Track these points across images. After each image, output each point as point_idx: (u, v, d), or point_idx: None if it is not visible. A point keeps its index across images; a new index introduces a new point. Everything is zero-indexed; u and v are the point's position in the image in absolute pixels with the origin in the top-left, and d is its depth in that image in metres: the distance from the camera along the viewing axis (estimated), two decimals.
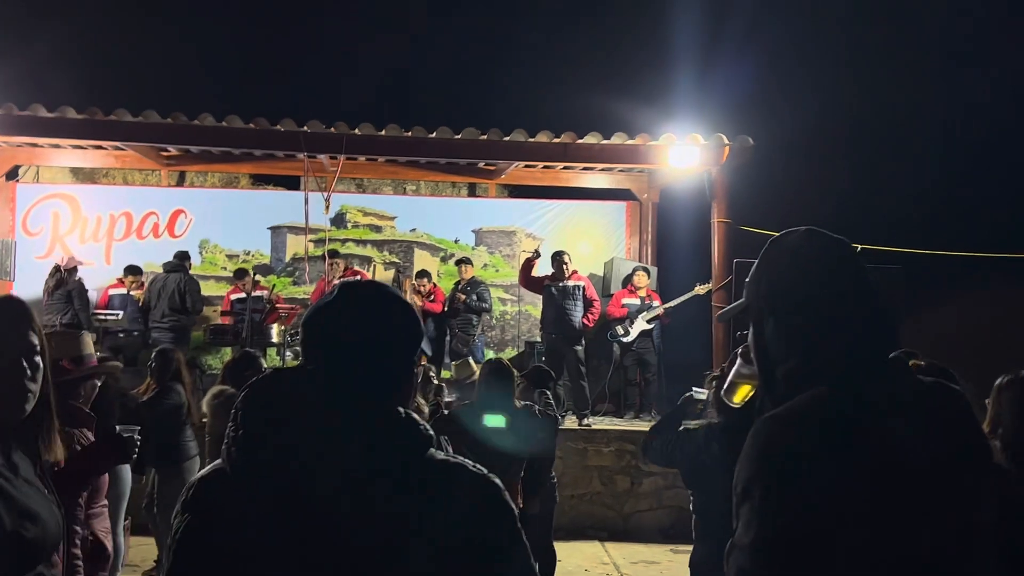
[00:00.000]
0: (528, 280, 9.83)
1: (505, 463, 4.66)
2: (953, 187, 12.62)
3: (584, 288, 9.73)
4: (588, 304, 9.67)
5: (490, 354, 10.98)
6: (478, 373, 5.81)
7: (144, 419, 6.04)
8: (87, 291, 9.90)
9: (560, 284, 9.61)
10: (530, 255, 9.79)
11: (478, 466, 1.44)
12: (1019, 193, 12.23)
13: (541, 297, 9.81)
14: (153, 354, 6.27)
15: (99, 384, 3.41)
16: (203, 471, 1.47)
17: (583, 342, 9.61)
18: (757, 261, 1.64)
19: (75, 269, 9.82)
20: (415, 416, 1.43)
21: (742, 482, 1.46)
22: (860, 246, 8.33)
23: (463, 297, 10.24)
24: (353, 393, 1.40)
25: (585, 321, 9.64)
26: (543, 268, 9.92)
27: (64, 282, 9.63)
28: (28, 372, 1.91)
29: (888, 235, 9.08)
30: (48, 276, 9.79)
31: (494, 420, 4.72)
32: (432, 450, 1.42)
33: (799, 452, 1.40)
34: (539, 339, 10.38)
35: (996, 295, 10.15)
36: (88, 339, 3.24)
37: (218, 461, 1.43)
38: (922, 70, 13.51)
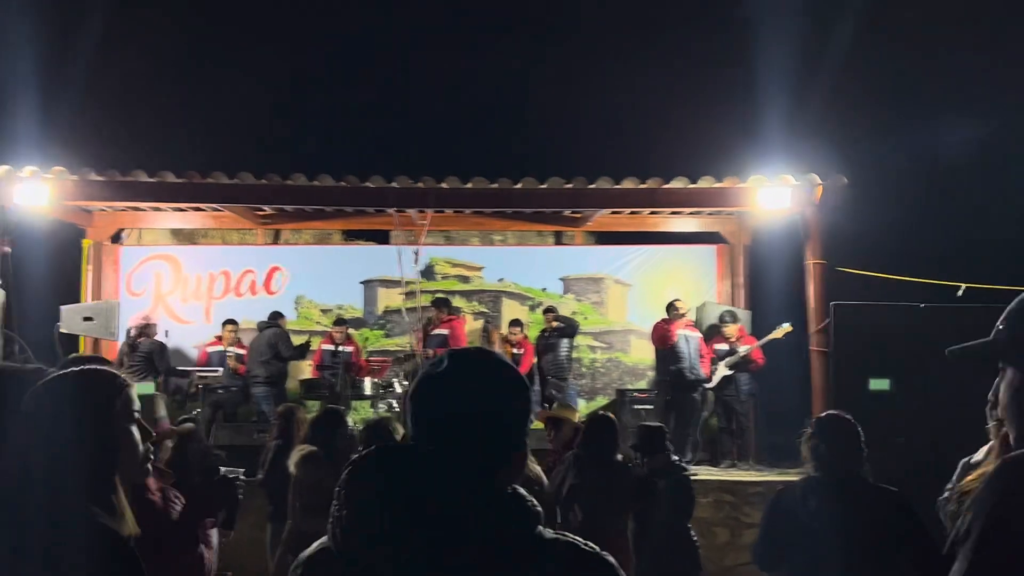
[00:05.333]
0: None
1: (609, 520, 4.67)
2: None
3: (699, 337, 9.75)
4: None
5: (583, 403, 10.86)
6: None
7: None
8: (166, 349, 10.07)
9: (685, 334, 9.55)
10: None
11: (589, 544, 1.39)
12: None
13: (630, 343, 9.65)
14: (278, 411, 6.62)
15: (172, 444, 3.45)
16: (309, 550, 1.46)
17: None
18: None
19: (148, 329, 10.04)
20: (522, 492, 1.39)
21: (968, 521, 1.41)
22: (964, 285, 7.97)
23: (554, 324, 10.17)
24: (458, 471, 1.36)
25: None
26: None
27: (136, 346, 9.86)
28: (138, 434, 1.96)
29: (995, 272, 8.65)
30: (123, 342, 10.10)
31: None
32: (540, 528, 1.37)
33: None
34: (629, 386, 10.25)
35: None
36: (160, 402, 3.32)
37: (324, 539, 1.42)
38: None
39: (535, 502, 1.38)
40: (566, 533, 1.41)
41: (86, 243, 11.16)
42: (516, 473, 1.43)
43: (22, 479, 1.75)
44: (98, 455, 1.83)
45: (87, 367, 2.00)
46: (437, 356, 1.49)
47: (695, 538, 5.35)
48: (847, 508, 3.36)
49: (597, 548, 1.39)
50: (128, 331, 10.07)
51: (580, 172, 9.45)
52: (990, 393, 1.46)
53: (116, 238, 11.53)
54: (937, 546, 3.40)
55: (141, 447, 1.96)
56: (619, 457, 5.12)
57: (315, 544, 1.45)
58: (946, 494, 4.37)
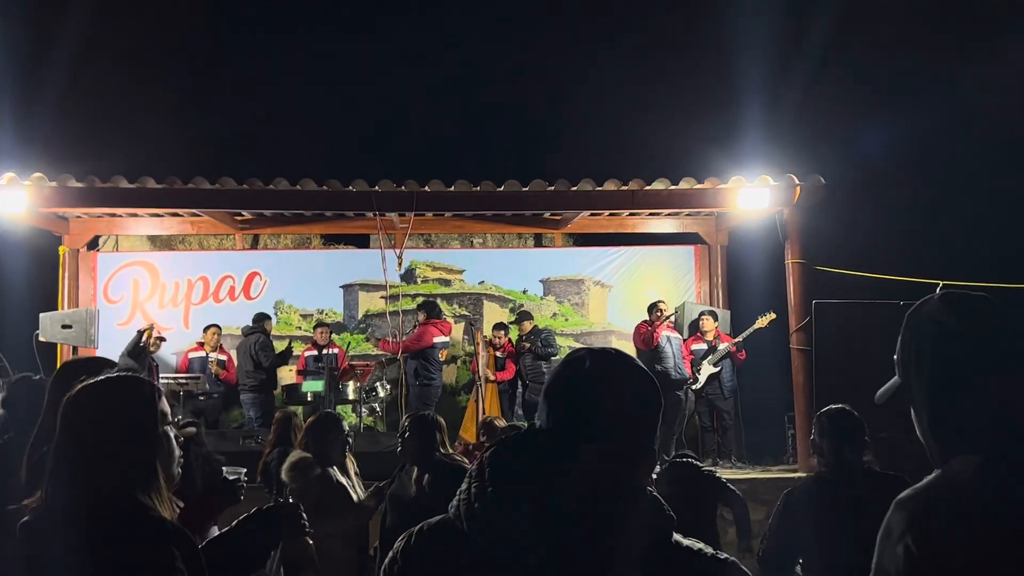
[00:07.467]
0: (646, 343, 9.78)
1: None
2: None
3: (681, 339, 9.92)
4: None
5: None
6: None
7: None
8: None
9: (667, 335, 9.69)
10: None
11: (718, 552, 1.39)
12: None
13: (610, 344, 9.68)
14: (275, 418, 6.63)
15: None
16: (425, 523, 1.44)
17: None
18: (902, 336, 1.60)
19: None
20: (658, 495, 1.39)
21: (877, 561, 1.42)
22: (942, 283, 8.10)
23: (528, 345, 10.20)
24: (601, 466, 1.36)
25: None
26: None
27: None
28: (173, 439, 2.11)
29: (972, 270, 8.80)
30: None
31: None
32: (675, 534, 1.38)
33: (932, 533, 1.34)
34: None
35: None
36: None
37: (445, 515, 1.41)
38: (1010, 95, 13.14)
39: (669, 507, 1.39)
40: (696, 540, 1.41)
41: (62, 250, 11.02)
42: (648, 473, 1.44)
43: (75, 467, 1.94)
44: (143, 451, 2.00)
45: (128, 374, 2.15)
46: (576, 354, 1.47)
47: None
48: (857, 502, 3.37)
49: (726, 555, 1.40)
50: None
51: (561, 175, 9.49)
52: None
53: (92, 245, 11.40)
54: None
55: (177, 450, 2.12)
56: None
57: (436, 518, 1.44)
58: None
